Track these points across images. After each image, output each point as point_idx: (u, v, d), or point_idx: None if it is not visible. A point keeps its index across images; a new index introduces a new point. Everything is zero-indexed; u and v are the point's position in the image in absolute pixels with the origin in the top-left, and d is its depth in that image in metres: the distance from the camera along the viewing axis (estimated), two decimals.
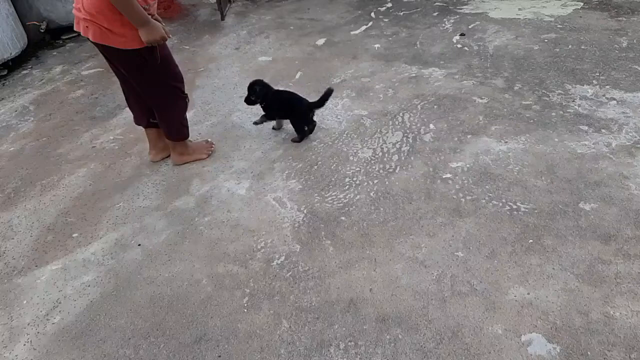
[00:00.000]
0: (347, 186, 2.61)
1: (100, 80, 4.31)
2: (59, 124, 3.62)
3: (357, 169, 2.73)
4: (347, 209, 2.45)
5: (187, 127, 2.87)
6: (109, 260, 2.31)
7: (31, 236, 2.52)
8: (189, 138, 2.95)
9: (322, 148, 2.95)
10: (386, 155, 2.82)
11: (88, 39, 2.32)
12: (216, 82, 3.96)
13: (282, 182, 2.70)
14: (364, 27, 4.69)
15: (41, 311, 2.09)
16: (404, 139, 2.95)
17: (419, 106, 3.27)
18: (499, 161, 2.66)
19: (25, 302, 2.14)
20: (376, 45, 4.28)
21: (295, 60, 4.18)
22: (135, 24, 2.23)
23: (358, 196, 2.53)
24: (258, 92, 3.03)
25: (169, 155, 2.98)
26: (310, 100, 3.02)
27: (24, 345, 1.94)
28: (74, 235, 2.50)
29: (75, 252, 2.39)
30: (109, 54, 2.42)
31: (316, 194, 2.58)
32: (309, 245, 2.27)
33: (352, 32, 4.61)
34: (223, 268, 2.19)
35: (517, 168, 2.59)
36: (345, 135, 3.05)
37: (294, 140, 3.09)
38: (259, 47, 4.55)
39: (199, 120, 3.42)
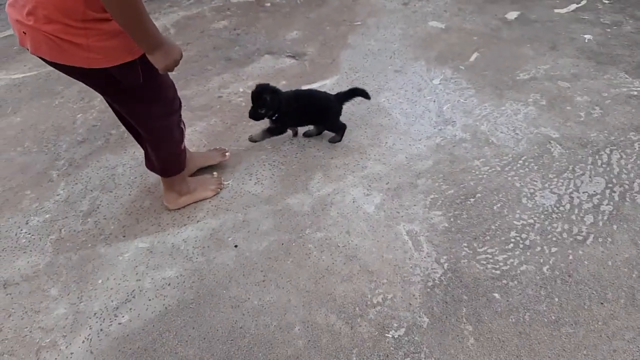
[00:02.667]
0: (512, 245, 1.90)
1: (248, 12, 3.88)
2: (193, 58, 3.28)
3: (531, 220, 1.99)
4: (505, 281, 1.77)
5: (183, 158, 2.06)
6: (199, 256, 1.93)
7: (129, 195, 2.23)
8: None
9: (486, 173, 2.23)
10: (576, 210, 2.02)
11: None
12: (371, 45, 3.30)
13: (424, 211, 2.07)
14: (573, 6, 3.59)
15: (112, 301, 1.79)
16: (607, 192, 2.10)
17: (637, 145, 2.34)
18: None
19: (100, 281, 1.86)
20: (586, 36, 3.23)
21: (474, 35, 3.32)
22: (144, 47, 1.46)
23: (524, 266, 1.82)
24: (269, 103, 2.18)
25: (189, 203, 2.20)
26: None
27: (83, 342, 1.66)
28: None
29: (167, 232, 2.05)
30: (71, 73, 1.56)
31: (465, 244, 1.92)
32: (441, 323, 1.66)
33: (556, 10, 3.56)
34: (324, 318, 1.69)
35: None
36: (522, 162, 2.27)
37: (333, 141, 2.48)
38: (432, 7, 3.73)
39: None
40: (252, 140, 2.42)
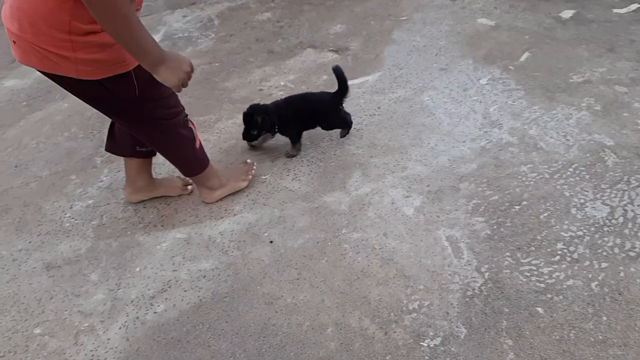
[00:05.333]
0: (558, 257, 1.81)
1: (292, 4, 3.86)
2: (236, 49, 3.29)
3: (580, 233, 1.89)
4: (549, 295, 1.69)
5: (203, 155, 2.00)
6: (234, 250, 1.93)
7: None
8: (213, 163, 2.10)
9: (533, 180, 2.13)
10: (630, 225, 1.90)
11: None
12: (417, 41, 3.22)
13: (465, 216, 1.99)
14: (634, 6, 3.38)
15: (149, 290, 1.81)
16: None
17: None
18: None
19: (138, 269, 1.89)
20: None
21: (526, 34, 3.18)
22: (146, 65, 1.36)
23: (571, 281, 1.73)
24: (262, 124, 2.21)
25: (148, 198, 2.18)
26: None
27: (120, 328, 1.69)
28: None
29: (204, 224, 2.06)
30: (63, 84, 1.52)
31: (508, 253, 1.84)
32: (479, 335, 1.60)
33: (614, 10, 3.37)
34: (357, 321, 1.66)
35: None
36: (572, 170, 2.16)
37: (343, 135, 2.46)
38: (481, 3, 3.60)
39: (381, 90, 2.78)
40: (251, 145, 2.42)
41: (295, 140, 2.35)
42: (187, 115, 1.87)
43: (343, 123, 2.43)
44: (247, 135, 2.27)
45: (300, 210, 2.08)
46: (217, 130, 2.57)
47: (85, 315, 1.74)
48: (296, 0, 3.88)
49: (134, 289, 1.82)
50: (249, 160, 2.26)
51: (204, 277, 1.84)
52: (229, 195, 2.17)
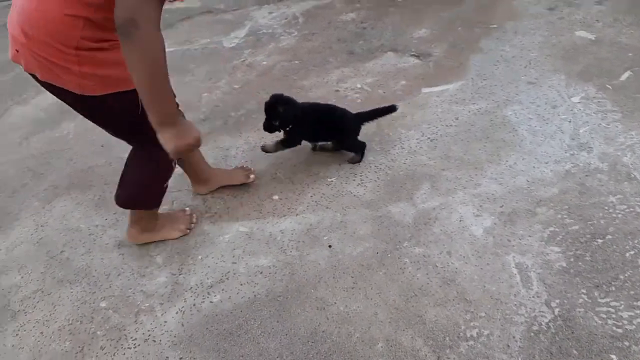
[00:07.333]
0: None
1: (378, 6, 3.81)
2: (317, 48, 3.30)
3: None
4: (627, 343, 1.52)
5: (159, 197, 1.87)
6: (292, 250, 1.94)
7: None
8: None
9: (621, 212, 1.94)
10: None
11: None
12: (505, 51, 3.05)
13: (539, 244, 1.85)
14: None
15: (208, 279, 1.86)
16: None
17: None
18: None
19: (200, 257, 1.95)
20: None
21: (630, 50, 2.91)
22: (154, 121, 1.26)
23: None
24: (284, 115, 2.08)
25: (215, 188, 2.20)
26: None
27: (177, 313, 1.75)
28: (274, 197, 2.19)
29: (267, 220, 2.08)
30: (63, 97, 1.45)
31: (584, 290, 1.68)
32: None
33: None
34: (410, 340, 1.59)
35: None
36: None
37: (352, 161, 2.32)
38: (582, 14, 3.34)
39: (461, 100, 2.66)
40: (264, 150, 2.26)
41: (291, 143, 2.26)
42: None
43: (356, 147, 2.32)
44: (268, 126, 2.16)
45: (362, 217, 2.05)
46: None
47: (147, 295, 1.82)
48: (383, 1, 3.82)
49: (194, 276, 1.88)
50: (187, 209, 2.12)
51: (261, 273, 1.86)
52: (295, 189, 2.18)
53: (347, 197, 2.15)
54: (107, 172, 2.41)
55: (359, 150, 2.32)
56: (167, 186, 1.83)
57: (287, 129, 2.17)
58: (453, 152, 2.33)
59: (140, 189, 1.80)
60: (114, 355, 1.63)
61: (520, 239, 1.88)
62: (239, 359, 1.59)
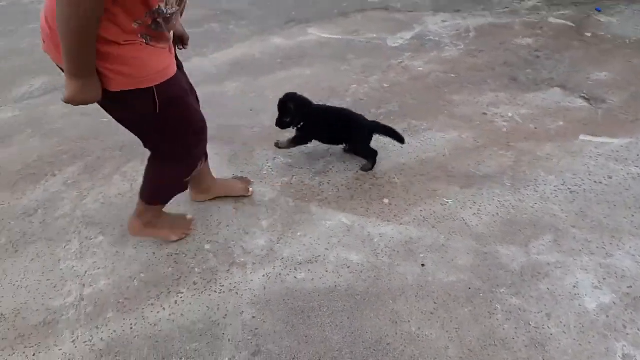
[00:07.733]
0: None
1: (561, 36, 3.52)
2: (479, 66, 3.17)
3: None
4: None
5: (172, 194, 1.90)
6: (384, 256, 1.93)
7: (356, 172, 2.37)
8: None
9: None
10: None
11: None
12: None
13: None
14: None
15: (299, 256, 1.95)
16: None
17: None
18: None
19: (299, 234, 2.05)
20: None
21: None
22: (66, 67, 1.25)
23: None
24: (294, 112, 2.21)
25: (211, 198, 2.20)
26: None
27: (263, 276, 1.87)
28: (385, 200, 2.20)
29: (370, 220, 2.10)
30: None
31: None
32: None
33: None
34: None
35: None
36: None
37: (364, 169, 2.35)
38: None
39: (623, 159, 2.34)
40: (277, 146, 2.41)
41: (301, 141, 2.37)
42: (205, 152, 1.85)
43: (367, 154, 2.35)
44: (279, 122, 2.27)
45: (466, 247, 1.95)
46: (422, 139, 2.55)
47: (245, 252, 1.98)
48: (568, 33, 3.51)
49: (289, 249, 1.99)
50: (189, 216, 2.12)
51: (348, 267, 1.90)
52: (406, 199, 2.17)
53: (457, 223, 2.07)
54: (247, 134, 2.65)
55: (370, 157, 2.35)
56: (188, 181, 1.87)
57: (298, 126, 2.28)
58: (592, 211, 2.08)
59: (160, 186, 1.87)
60: (201, 293, 1.82)
61: (639, 329, 1.63)
62: (303, 339, 1.66)
